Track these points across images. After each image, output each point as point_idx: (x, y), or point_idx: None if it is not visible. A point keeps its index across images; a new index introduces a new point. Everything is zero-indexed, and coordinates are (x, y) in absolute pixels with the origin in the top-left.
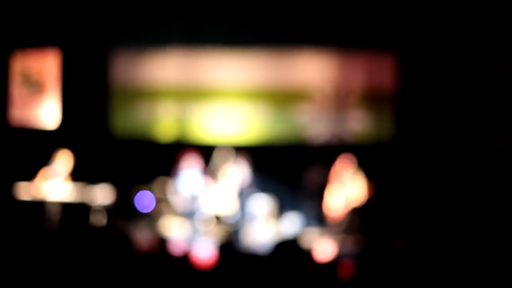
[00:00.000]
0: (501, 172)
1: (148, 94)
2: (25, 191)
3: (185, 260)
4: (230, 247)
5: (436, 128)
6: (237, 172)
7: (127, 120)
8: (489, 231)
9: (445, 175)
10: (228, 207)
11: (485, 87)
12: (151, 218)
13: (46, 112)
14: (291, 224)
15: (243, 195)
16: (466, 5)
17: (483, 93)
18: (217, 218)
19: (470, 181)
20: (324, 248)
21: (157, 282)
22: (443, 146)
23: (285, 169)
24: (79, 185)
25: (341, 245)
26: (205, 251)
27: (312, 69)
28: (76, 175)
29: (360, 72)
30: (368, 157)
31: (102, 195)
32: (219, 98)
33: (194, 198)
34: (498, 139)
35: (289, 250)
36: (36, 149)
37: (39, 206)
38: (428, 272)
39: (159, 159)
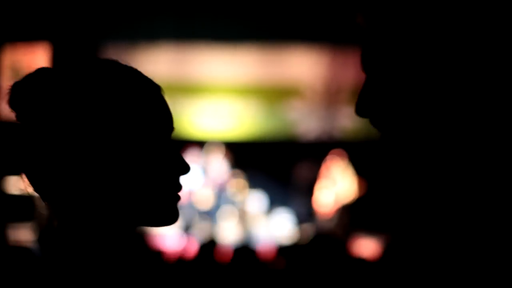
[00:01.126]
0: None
1: None
2: (14, 185)
3: (177, 254)
4: (212, 242)
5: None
6: (224, 167)
7: None
8: (482, 232)
9: (436, 171)
10: (211, 202)
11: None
12: None
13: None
14: (281, 220)
15: (226, 191)
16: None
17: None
18: (202, 213)
19: (462, 178)
20: None
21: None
22: (434, 142)
23: (275, 165)
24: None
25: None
26: (192, 246)
27: (303, 66)
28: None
29: (351, 69)
30: (358, 154)
31: None
32: (209, 93)
33: (190, 193)
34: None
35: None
36: None
37: (28, 200)
38: (419, 270)
39: None
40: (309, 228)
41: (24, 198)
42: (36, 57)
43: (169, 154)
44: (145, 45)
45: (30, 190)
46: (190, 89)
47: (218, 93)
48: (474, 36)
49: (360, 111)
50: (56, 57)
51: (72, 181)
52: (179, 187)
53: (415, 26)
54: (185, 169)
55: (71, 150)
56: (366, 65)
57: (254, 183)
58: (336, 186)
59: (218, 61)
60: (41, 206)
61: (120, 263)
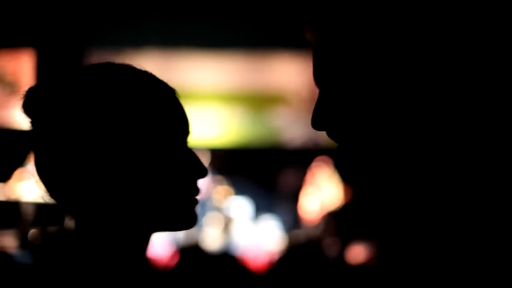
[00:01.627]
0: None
1: None
2: (0, 191)
3: (167, 261)
4: (197, 249)
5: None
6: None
7: None
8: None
9: (422, 178)
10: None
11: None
12: None
13: (21, 113)
14: (267, 227)
15: (211, 198)
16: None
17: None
18: None
19: (450, 184)
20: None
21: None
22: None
23: (260, 172)
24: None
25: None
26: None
27: (289, 73)
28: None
29: None
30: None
31: None
32: (194, 100)
33: None
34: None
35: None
36: (10, 149)
37: (13, 206)
38: (407, 275)
39: None
40: (295, 235)
41: (9, 204)
42: (21, 64)
43: (186, 157)
44: (130, 51)
45: (46, 197)
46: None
47: (203, 100)
48: (424, 51)
49: (315, 125)
50: (41, 63)
51: (89, 186)
52: (197, 191)
53: (363, 38)
54: (203, 172)
55: (88, 155)
56: (317, 79)
57: (239, 190)
58: (322, 193)
59: (203, 67)
60: (27, 213)
61: (131, 268)
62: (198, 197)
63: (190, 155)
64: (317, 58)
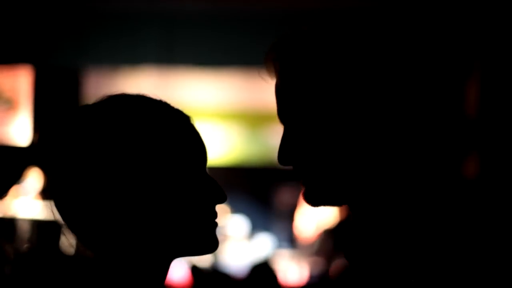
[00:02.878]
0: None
1: None
2: None
3: None
4: (193, 267)
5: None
6: None
7: None
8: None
9: (413, 197)
10: None
11: (452, 105)
12: None
13: (18, 129)
14: (262, 245)
15: None
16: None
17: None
18: None
19: (436, 206)
20: (295, 271)
21: None
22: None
23: (257, 190)
24: (50, 203)
25: (313, 268)
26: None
27: None
28: (47, 193)
29: None
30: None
31: None
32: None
33: None
34: (467, 164)
35: (262, 273)
36: (7, 166)
37: (9, 223)
38: None
39: None
40: (290, 253)
41: (3, 221)
42: (19, 80)
43: (205, 183)
44: (128, 69)
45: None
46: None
47: (199, 117)
48: (377, 89)
49: (281, 161)
50: (38, 80)
51: (109, 216)
52: (215, 215)
53: (323, 78)
54: (222, 197)
55: (107, 186)
56: (281, 116)
57: (235, 208)
58: (317, 211)
59: (200, 85)
60: (22, 230)
61: None
62: (217, 221)
63: (209, 181)
64: (279, 96)
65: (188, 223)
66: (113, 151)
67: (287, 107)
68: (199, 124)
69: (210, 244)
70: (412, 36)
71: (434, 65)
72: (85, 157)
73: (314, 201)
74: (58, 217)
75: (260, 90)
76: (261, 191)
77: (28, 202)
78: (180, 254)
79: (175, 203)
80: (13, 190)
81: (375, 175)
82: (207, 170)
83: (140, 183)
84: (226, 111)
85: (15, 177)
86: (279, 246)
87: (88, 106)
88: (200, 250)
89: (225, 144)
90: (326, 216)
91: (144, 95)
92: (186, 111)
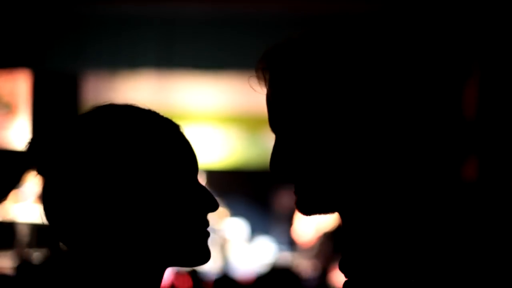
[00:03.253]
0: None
1: None
2: None
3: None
4: (192, 271)
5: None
6: None
7: None
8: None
9: (410, 200)
10: None
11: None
12: None
13: (17, 134)
14: (262, 248)
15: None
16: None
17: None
18: None
19: (435, 211)
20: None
21: None
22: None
23: (256, 193)
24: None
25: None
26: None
27: None
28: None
29: None
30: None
31: None
32: (190, 121)
33: None
34: (466, 167)
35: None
36: (6, 170)
37: (9, 227)
38: None
39: None
40: (289, 256)
41: (4, 226)
42: (18, 85)
43: (196, 192)
44: (127, 73)
45: (58, 241)
46: (171, 117)
47: (198, 121)
48: (370, 99)
49: (273, 170)
50: (37, 84)
51: (99, 226)
52: (207, 224)
53: (315, 87)
54: (214, 206)
55: (98, 195)
56: (273, 125)
57: (235, 211)
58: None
59: (199, 89)
60: (22, 234)
61: None
62: (208, 229)
63: (200, 189)
64: (270, 106)
65: (180, 232)
66: (104, 161)
67: (278, 116)
68: (198, 128)
69: (202, 255)
70: (408, 41)
71: (432, 67)
72: (76, 167)
73: (306, 210)
74: (47, 222)
75: (259, 94)
76: (260, 195)
77: (27, 206)
78: (171, 263)
79: (166, 212)
80: (12, 194)
81: (369, 183)
82: (204, 175)
83: (131, 192)
84: (226, 114)
85: (14, 182)
86: (279, 249)
87: (79, 116)
88: (191, 261)
89: (224, 147)
90: (326, 219)
91: (133, 104)
92: (185, 115)
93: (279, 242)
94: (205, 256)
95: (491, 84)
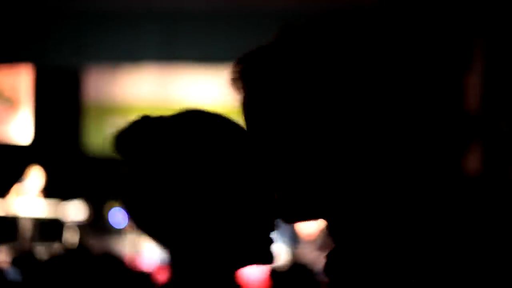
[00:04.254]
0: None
1: (122, 111)
2: None
3: (155, 275)
4: None
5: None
6: None
7: (101, 136)
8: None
9: (410, 196)
10: None
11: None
12: (125, 234)
13: (19, 128)
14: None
15: None
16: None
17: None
18: None
19: (437, 206)
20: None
21: None
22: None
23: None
24: (52, 201)
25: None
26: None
27: None
28: (49, 191)
29: None
30: None
31: (75, 211)
32: None
33: None
34: (469, 160)
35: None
36: (8, 165)
37: (11, 222)
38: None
39: None
40: (293, 251)
41: (5, 220)
42: (19, 79)
43: (263, 196)
44: (129, 67)
45: (135, 228)
46: (172, 111)
47: None
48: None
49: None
50: (39, 79)
51: (177, 223)
52: (272, 227)
53: (291, 93)
54: (284, 215)
55: (178, 194)
56: (250, 133)
57: None
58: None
59: (201, 82)
60: (23, 229)
61: None
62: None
63: (268, 194)
64: (246, 113)
65: (246, 233)
66: (183, 157)
67: (255, 123)
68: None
69: (266, 255)
70: (403, 41)
71: (430, 58)
72: (158, 162)
73: (289, 219)
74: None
75: None
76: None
77: (29, 200)
78: (238, 264)
79: (235, 211)
80: (15, 188)
81: (358, 186)
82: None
83: (205, 195)
84: (227, 108)
85: (16, 176)
86: (282, 242)
87: (165, 117)
88: (256, 259)
89: None
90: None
91: (219, 114)
92: (187, 107)
93: (282, 235)
94: (270, 257)
95: (494, 77)
